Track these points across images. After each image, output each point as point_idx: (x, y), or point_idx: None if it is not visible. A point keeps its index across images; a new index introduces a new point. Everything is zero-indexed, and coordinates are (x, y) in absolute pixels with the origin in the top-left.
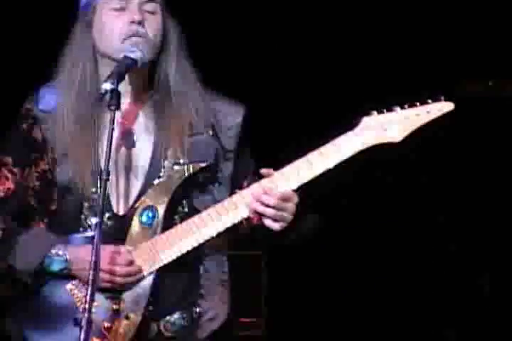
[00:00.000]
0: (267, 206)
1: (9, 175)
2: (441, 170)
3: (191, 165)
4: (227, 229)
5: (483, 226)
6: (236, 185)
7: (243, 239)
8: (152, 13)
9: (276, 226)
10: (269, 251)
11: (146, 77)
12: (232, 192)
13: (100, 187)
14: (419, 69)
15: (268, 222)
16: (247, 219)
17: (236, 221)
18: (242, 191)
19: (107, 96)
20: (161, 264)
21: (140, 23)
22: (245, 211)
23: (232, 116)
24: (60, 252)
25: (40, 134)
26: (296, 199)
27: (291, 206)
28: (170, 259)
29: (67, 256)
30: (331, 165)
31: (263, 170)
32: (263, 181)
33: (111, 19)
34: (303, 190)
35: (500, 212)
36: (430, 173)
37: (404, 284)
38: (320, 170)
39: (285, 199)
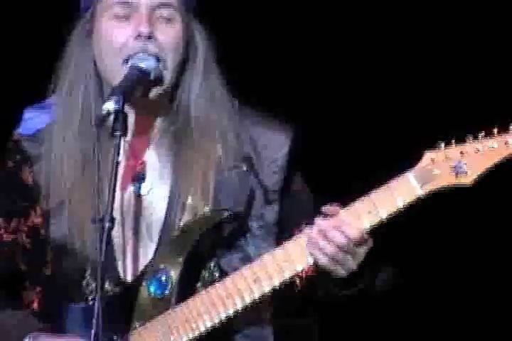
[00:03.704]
0: (333, 244)
1: None
2: None
3: (213, 215)
4: (272, 294)
5: None
6: (286, 234)
7: (293, 302)
8: (168, 20)
9: (339, 270)
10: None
11: (163, 102)
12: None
13: (101, 239)
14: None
15: (325, 262)
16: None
17: (287, 277)
18: (294, 238)
19: (110, 120)
20: None
21: (150, 37)
22: (301, 261)
23: (275, 145)
24: None
25: (30, 176)
26: (369, 244)
27: (361, 252)
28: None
29: None
30: (383, 216)
31: (327, 208)
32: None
33: (111, 29)
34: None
35: None
36: None
37: None
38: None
39: (357, 241)
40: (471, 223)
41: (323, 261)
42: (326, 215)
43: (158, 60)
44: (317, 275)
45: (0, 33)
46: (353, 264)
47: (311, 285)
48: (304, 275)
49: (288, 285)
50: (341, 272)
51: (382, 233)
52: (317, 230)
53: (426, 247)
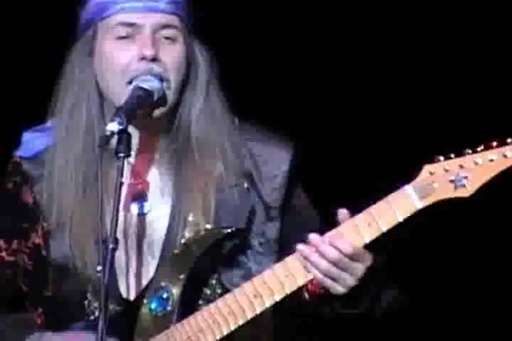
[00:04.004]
0: (326, 259)
1: None
2: None
3: (215, 231)
4: (277, 307)
5: None
6: (289, 249)
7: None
8: (171, 40)
9: (337, 286)
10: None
11: (165, 121)
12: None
13: (105, 260)
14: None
15: (321, 278)
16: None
17: (288, 292)
18: (294, 253)
19: (114, 141)
20: None
21: (154, 59)
22: (302, 276)
23: (275, 161)
24: None
25: (30, 197)
26: (368, 260)
27: (357, 267)
28: None
29: None
30: (383, 229)
31: (340, 211)
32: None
33: (114, 51)
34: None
35: None
36: None
37: None
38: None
39: (352, 256)
40: (472, 234)
41: (319, 276)
42: (333, 222)
43: (161, 80)
44: (322, 289)
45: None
46: (350, 281)
47: (317, 299)
48: (311, 289)
49: (295, 299)
50: (339, 289)
51: (384, 252)
52: (309, 245)
53: (430, 266)
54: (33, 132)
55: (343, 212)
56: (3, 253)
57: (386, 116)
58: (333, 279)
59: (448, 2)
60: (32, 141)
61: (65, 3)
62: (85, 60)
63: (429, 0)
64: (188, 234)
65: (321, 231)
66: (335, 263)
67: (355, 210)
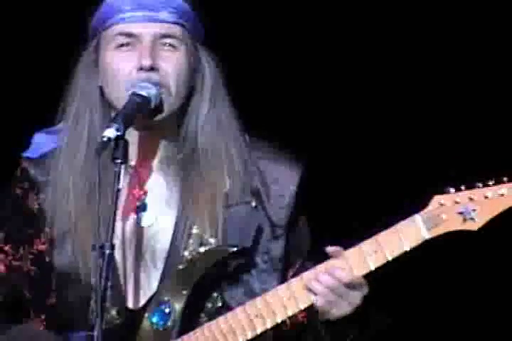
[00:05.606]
0: (326, 287)
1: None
2: None
3: (220, 249)
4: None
5: None
6: (288, 268)
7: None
8: (172, 47)
9: (329, 308)
10: None
11: (169, 129)
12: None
13: (102, 266)
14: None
15: (319, 301)
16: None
17: (290, 314)
18: (299, 276)
19: (111, 147)
20: None
21: (153, 68)
22: (305, 300)
23: (284, 180)
24: None
25: (36, 204)
26: (365, 289)
27: (354, 295)
28: None
29: None
30: (389, 258)
31: (329, 249)
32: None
33: (115, 61)
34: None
35: None
36: None
37: None
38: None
39: (350, 285)
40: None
41: (318, 300)
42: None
43: (160, 86)
44: (308, 320)
45: (10, 59)
46: (347, 307)
47: (301, 329)
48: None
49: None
50: (333, 311)
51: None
52: (313, 275)
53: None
54: (44, 133)
55: (331, 250)
56: (11, 258)
57: (400, 142)
58: (330, 304)
59: (450, 4)
60: (42, 143)
61: (78, 8)
62: (90, 70)
63: (431, 4)
64: (192, 247)
65: (312, 253)
66: (332, 289)
67: (362, 237)
